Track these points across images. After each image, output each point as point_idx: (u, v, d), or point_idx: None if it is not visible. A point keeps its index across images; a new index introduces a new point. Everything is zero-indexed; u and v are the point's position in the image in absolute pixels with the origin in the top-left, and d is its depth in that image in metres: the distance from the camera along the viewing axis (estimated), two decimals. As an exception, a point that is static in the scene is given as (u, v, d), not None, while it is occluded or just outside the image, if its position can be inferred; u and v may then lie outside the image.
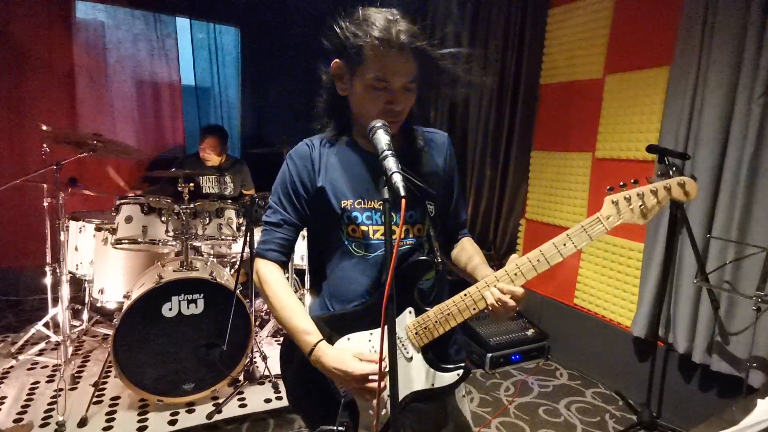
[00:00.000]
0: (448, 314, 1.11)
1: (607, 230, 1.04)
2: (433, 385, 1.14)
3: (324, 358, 1.07)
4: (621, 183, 1.05)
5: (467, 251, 1.30)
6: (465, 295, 1.10)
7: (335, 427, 1.08)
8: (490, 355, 3.05)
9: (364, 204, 1.17)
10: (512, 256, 1.11)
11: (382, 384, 1.03)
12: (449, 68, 1.11)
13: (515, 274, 1.07)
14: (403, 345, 1.14)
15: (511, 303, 1.04)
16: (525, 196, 3.65)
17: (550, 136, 3.44)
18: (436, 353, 1.17)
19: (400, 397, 1.07)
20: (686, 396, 2.53)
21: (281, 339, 1.26)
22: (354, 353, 1.08)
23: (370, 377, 1.03)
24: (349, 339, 1.15)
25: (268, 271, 1.19)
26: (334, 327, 1.16)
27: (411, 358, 1.15)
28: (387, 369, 0.93)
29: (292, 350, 1.17)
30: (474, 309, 1.10)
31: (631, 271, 2.83)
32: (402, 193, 0.88)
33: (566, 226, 3.28)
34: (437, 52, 1.08)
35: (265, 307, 3.49)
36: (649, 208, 1.03)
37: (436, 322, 1.12)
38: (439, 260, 1.18)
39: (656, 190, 1.02)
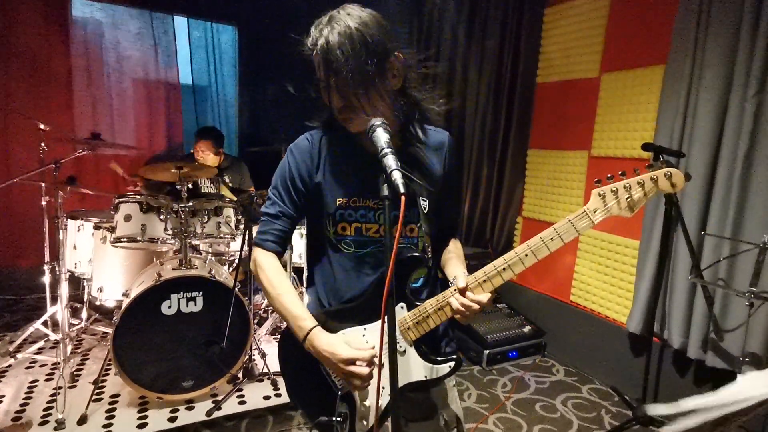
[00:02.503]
0: (439, 309, 1.14)
1: (594, 224, 1.04)
2: (426, 376, 1.17)
3: (316, 342, 1.10)
4: (608, 175, 1.04)
5: (448, 250, 1.34)
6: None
7: (333, 418, 1.10)
8: (487, 351, 3.07)
9: (359, 202, 1.19)
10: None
11: (374, 376, 1.06)
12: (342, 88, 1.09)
13: (503, 269, 1.09)
14: (396, 340, 1.16)
15: (475, 307, 1.09)
16: (521, 194, 3.67)
17: (547, 135, 3.46)
18: (428, 346, 1.20)
19: None
20: (681, 391, 2.56)
21: (280, 336, 1.29)
22: (345, 341, 1.11)
23: (357, 362, 1.06)
24: (344, 334, 1.18)
25: (264, 258, 1.22)
26: (329, 323, 1.18)
27: (404, 351, 1.17)
28: (382, 363, 0.94)
29: (290, 343, 1.20)
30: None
31: (627, 268, 2.85)
32: (402, 190, 0.89)
33: (563, 223, 3.30)
34: (335, 73, 1.06)
35: (264, 304, 3.51)
36: (635, 200, 1.02)
37: (428, 316, 1.14)
38: (429, 257, 1.19)
39: (643, 182, 1.01)
